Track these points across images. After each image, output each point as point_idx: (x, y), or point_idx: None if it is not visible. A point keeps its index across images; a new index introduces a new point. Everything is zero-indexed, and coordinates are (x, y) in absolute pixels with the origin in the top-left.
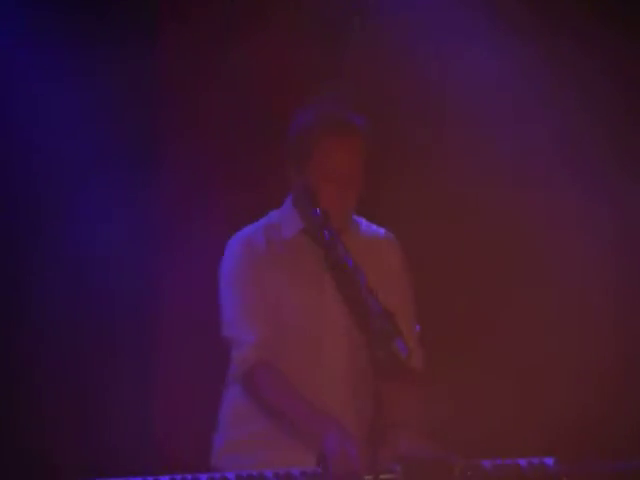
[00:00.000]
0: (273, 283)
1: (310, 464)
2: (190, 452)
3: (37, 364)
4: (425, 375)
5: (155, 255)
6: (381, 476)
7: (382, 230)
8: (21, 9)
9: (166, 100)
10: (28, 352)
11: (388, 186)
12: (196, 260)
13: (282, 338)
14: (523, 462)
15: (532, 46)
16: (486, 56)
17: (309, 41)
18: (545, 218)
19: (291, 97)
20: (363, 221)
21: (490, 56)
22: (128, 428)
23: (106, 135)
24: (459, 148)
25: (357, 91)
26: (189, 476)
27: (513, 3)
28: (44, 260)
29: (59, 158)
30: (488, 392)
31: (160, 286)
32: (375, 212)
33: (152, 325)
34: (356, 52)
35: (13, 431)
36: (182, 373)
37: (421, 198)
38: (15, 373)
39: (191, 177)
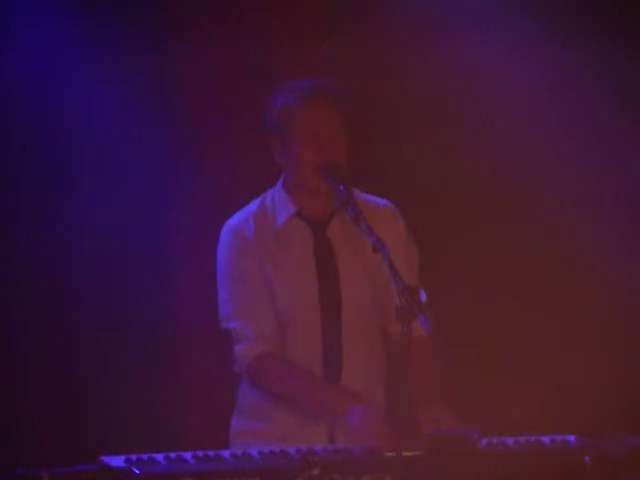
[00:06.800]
0: (265, 274)
1: None
2: (210, 434)
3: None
4: (442, 348)
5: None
6: (404, 452)
7: (380, 200)
8: None
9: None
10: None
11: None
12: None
13: (281, 327)
14: (545, 439)
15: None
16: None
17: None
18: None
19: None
20: (357, 191)
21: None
22: (147, 407)
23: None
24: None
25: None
26: (211, 452)
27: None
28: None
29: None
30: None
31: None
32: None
33: (166, 298)
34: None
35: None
36: (202, 350)
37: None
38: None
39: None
